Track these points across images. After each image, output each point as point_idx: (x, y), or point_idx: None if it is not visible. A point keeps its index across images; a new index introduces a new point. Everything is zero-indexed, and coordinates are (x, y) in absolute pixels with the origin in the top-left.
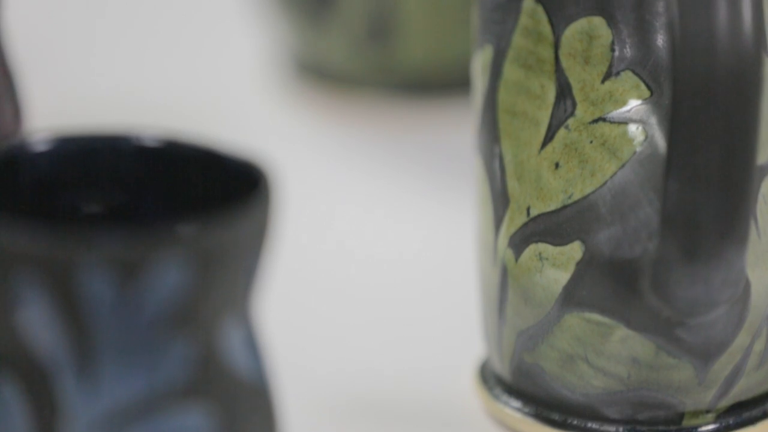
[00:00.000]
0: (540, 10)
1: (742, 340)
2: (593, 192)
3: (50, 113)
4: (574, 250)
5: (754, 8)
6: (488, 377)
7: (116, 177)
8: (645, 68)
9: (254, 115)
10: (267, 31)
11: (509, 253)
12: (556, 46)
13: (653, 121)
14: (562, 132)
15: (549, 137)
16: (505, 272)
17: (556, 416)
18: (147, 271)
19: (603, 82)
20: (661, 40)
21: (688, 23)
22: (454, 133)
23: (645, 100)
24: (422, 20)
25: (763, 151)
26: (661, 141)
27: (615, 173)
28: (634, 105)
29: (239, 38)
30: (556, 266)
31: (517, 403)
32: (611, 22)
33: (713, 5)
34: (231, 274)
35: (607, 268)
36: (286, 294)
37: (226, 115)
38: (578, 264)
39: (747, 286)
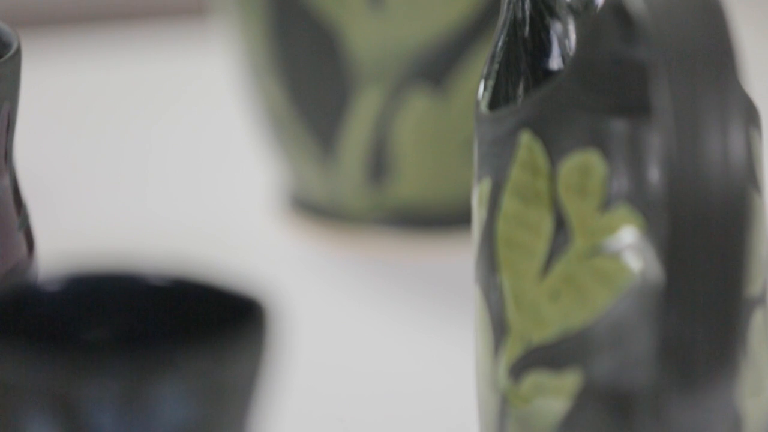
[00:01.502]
0: (536, 144)
1: None
2: (591, 323)
3: (60, 240)
4: (573, 380)
5: (742, 144)
6: None
7: (123, 312)
8: (640, 201)
9: (258, 247)
10: (272, 167)
11: (508, 382)
12: (553, 180)
13: (649, 252)
14: (559, 263)
15: (547, 269)
16: (504, 401)
17: None
18: (151, 404)
19: (599, 214)
20: (655, 173)
21: (679, 158)
22: (453, 265)
23: (641, 232)
24: (419, 158)
25: (755, 283)
26: (657, 272)
27: (612, 304)
28: (630, 237)
29: (246, 173)
30: (555, 396)
31: None
32: (606, 155)
33: (702, 141)
34: (232, 404)
35: (606, 397)
36: (286, 423)
37: (231, 247)
38: (577, 394)
39: (741, 414)
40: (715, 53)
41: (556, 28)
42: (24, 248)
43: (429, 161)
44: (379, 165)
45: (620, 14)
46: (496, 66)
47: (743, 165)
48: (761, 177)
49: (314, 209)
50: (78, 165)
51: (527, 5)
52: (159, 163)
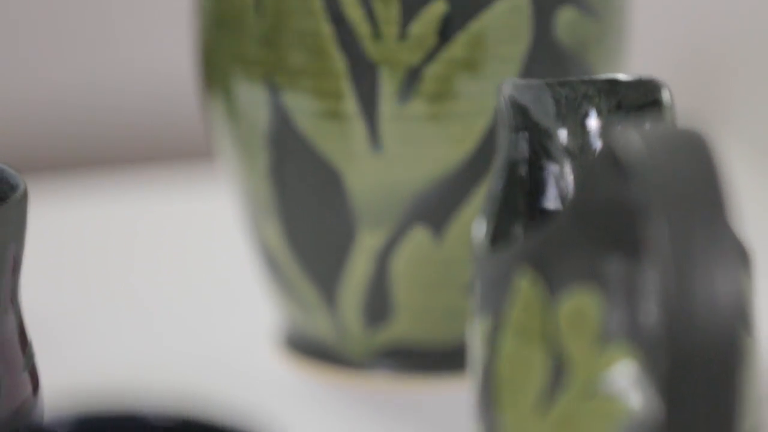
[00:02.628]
0: (536, 283)
1: None
2: None
3: (65, 379)
4: None
5: (732, 286)
6: None
7: None
8: (638, 339)
9: (259, 385)
10: (273, 305)
11: None
12: (553, 318)
13: (647, 389)
14: (560, 403)
15: (547, 407)
16: None
17: None
18: None
19: (599, 352)
20: (651, 311)
21: (670, 299)
22: (451, 404)
23: (639, 369)
24: (417, 299)
25: (749, 420)
26: (655, 408)
27: None
28: (629, 374)
29: (249, 311)
30: None
31: None
32: (605, 294)
33: (692, 282)
34: None
35: None
36: None
37: (233, 385)
38: None
39: None
40: (705, 197)
41: (553, 169)
42: (29, 388)
43: (427, 302)
44: (377, 306)
45: (615, 158)
46: (494, 206)
47: (733, 306)
48: (752, 317)
49: (314, 348)
50: (82, 304)
51: (524, 147)
52: (162, 302)
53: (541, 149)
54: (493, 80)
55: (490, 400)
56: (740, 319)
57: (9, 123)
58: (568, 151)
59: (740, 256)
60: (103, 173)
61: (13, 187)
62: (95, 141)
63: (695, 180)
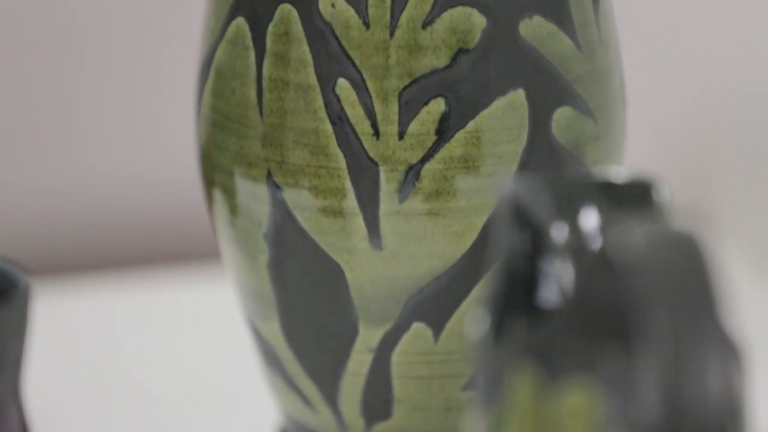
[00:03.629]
0: (537, 375)
1: None
2: None
3: None
4: None
5: (723, 383)
6: None
7: None
8: (636, 427)
9: None
10: (275, 401)
11: None
12: (552, 412)
13: None
14: None
15: None
16: None
17: None
18: None
19: None
20: (646, 406)
21: (662, 395)
22: None
23: None
24: (417, 396)
25: None
26: None
27: None
28: None
29: (251, 406)
30: None
31: None
32: (603, 387)
33: (684, 379)
34: None
35: None
36: None
37: None
38: None
39: None
40: (697, 296)
41: (552, 265)
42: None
43: (426, 396)
44: (377, 401)
45: (611, 257)
46: (494, 302)
47: (724, 403)
48: (745, 414)
49: None
50: (86, 400)
51: (523, 243)
52: (164, 397)
53: (539, 246)
54: (491, 178)
55: None
56: (732, 416)
57: (17, 223)
58: (566, 248)
59: (734, 353)
60: (108, 272)
61: (14, 285)
62: (100, 240)
63: (688, 280)
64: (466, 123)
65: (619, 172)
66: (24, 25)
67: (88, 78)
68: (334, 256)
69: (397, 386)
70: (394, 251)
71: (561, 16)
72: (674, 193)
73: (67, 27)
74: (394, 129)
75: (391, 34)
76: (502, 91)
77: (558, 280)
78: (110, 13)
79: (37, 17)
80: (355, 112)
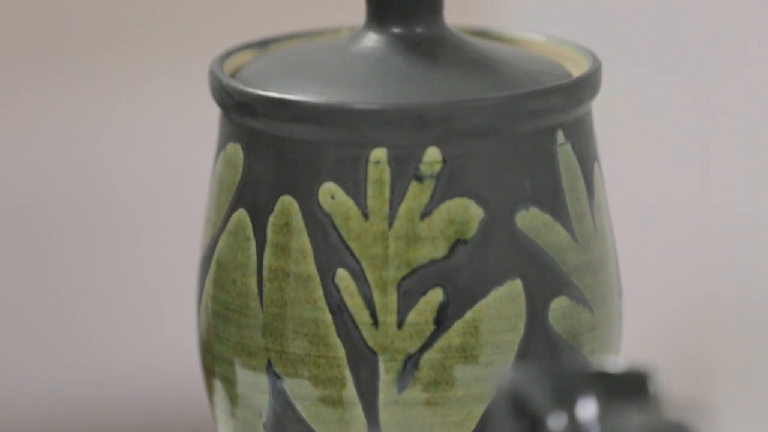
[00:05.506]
0: None
1: None
2: None
3: None
4: None
5: None
6: None
7: None
8: None
9: None
10: None
11: None
12: None
13: None
14: None
15: None
16: None
17: None
18: None
19: None
20: None
21: None
22: None
23: None
24: None
25: None
26: None
27: None
28: None
29: None
30: None
31: None
32: None
33: None
34: None
35: None
36: None
37: None
38: None
39: None
40: None
41: None
42: None
43: None
44: None
45: None
46: None
47: None
48: None
49: None
50: None
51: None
52: None
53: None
54: (489, 367)
55: None
56: None
57: (19, 415)
58: None
59: None
60: None
61: None
62: (102, 428)
63: None
64: (464, 313)
65: (615, 361)
66: (27, 218)
67: (90, 270)
68: None
69: None
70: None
71: (557, 208)
72: (671, 383)
73: (66, 223)
74: (393, 319)
75: (390, 225)
76: (500, 282)
77: None
78: (112, 207)
79: (36, 210)
80: (354, 301)
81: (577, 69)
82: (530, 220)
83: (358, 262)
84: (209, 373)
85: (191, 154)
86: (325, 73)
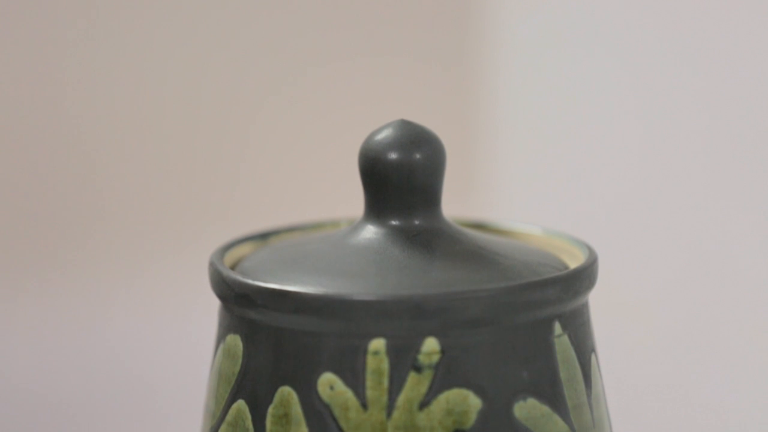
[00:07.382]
0: None
1: None
2: None
3: None
4: None
5: None
6: None
7: None
8: None
9: None
10: None
11: None
12: None
13: None
14: None
15: None
16: None
17: None
18: None
19: None
20: None
21: None
22: None
23: None
24: None
25: None
26: None
27: None
28: None
29: None
30: None
31: None
32: None
33: None
34: None
35: None
36: None
37: None
38: None
39: None
40: None
41: None
42: None
43: None
44: None
45: None
46: None
47: None
48: None
49: None
50: None
51: None
52: None
53: None
54: None
55: None
56: None
57: None
58: None
59: None
60: None
61: None
62: None
63: None
64: None
65: None
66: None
67: None
68: None
69: None
70: None
71: (555, 399)
72: None
73: (66, 416)
74: None
75: (389, 416)
76: None
77: None
78: (111, 401)
79: (34, 406)
80: None
81: (574, 261)
82: (528, 410)
83: None
84: None
85: (189, 346)
86: (324, 265)
